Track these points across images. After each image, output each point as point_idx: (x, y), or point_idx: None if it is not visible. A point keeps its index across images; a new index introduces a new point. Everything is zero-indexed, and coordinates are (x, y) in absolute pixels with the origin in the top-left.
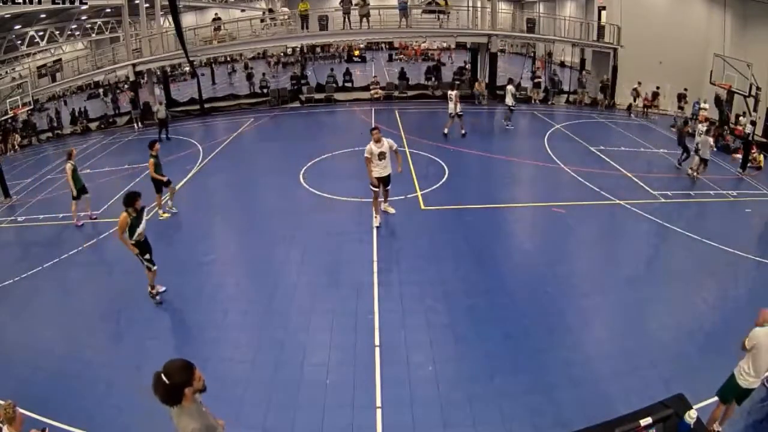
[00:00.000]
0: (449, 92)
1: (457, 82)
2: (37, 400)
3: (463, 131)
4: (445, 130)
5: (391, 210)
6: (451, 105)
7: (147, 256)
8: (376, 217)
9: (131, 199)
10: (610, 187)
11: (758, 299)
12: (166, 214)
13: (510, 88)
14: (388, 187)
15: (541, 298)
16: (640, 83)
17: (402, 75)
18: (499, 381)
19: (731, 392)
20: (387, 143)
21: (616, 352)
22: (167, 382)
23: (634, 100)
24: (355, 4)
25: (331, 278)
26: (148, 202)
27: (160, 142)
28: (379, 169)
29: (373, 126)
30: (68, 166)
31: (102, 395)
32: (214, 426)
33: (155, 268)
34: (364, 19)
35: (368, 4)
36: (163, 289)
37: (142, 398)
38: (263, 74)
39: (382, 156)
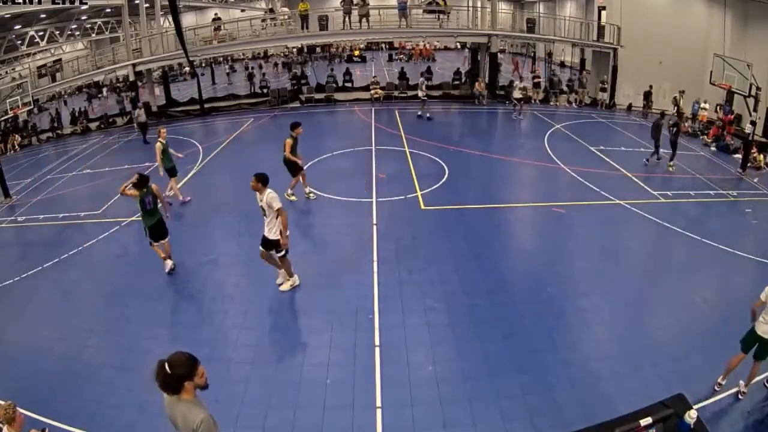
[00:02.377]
0: (420, 81)
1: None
2: (37, 400)
3: (428, 115)
4: (419, 113)
5: (285, 287)
6: (420, 93)
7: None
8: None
9: (144, 181)
10: (610, 187)
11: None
12: (293, 197)
13: (517, 83)
14: (276, 253)
15: (541, 298)
16: (682, 92)
17: (402, 75)
18: (499, 381)
19: (748, 340)
20: (267, 198)
21: (616, 352)
22: (168, 371)
23: (675, 108)
24: (355, 4)
25: (331, 278)
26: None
27: (145, 143)
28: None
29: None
30: (158, 145)
31: (102, 395)
32: (215, 421)
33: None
34: (364, 19)
35: (368, 4)
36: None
37: (142, 398)
38: (263, 74)
39: (262, 211)
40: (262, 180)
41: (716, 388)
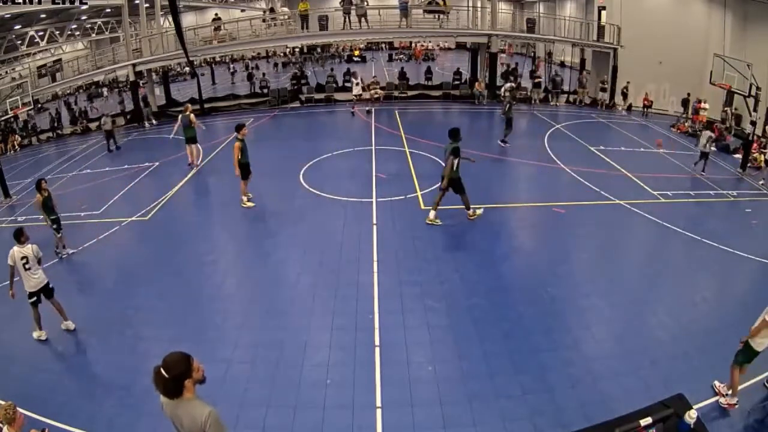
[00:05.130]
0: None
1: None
2: (37, 400)
3: (352, 111)
4: (353, 110)
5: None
6: (356, 89)
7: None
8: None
9: (40, 185)
10: (610, 187)
11: (758, 299)
12: (250, 203)
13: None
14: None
15: (541, 298)
16: (730, 107)
17: (402, 75)
18: (499, 381)
19: (746, 356)
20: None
21: (616, 352)
22: (166, 375)
23: (723, 123)
24: (354, 4)
25: (331, 278)
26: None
27: (109, 152)
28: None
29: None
30: (193, 116)
31: (102, 395)
32: None
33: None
34: (362, 19)
35: (366, 4)
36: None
37: (142, 399)
38: (263, 74)
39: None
40: (13, 234)
41: (729, 408)
